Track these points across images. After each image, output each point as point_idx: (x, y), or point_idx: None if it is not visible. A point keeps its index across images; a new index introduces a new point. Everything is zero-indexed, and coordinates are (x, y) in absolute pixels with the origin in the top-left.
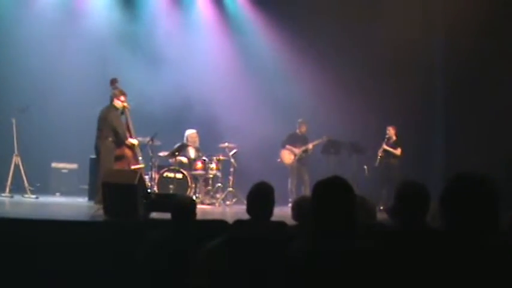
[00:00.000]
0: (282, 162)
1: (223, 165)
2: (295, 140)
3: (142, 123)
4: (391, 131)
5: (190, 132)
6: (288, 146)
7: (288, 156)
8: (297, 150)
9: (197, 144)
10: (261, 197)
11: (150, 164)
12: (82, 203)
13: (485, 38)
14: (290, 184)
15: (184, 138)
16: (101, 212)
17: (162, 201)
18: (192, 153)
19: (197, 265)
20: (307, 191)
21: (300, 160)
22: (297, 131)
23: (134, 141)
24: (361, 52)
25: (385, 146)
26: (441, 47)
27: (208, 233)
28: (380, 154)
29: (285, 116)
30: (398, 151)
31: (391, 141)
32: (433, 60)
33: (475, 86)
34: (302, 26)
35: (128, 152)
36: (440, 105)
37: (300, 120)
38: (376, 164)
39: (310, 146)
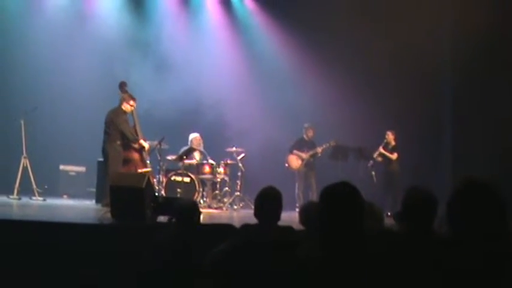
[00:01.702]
0: (289, 167)
1: (231, 170)
2: (302, 145)
3: (150, 127)
4: (390, 136)
5: (194, 136)
6: (295, 151)
7: (295, 161)
8: (304, 155)
9: (201, 147)
10: (268, 201)
11: (158, 167)
12: (89, 205)
13: (492, 39)
14: (297, 189)
15: (189, 142)
16: (108, 215)
17: (169, 204)
18: (197, 157)
19: (204, 269)
20: (314, 196)
21: (307, 165)
22: (304, 136)
23: (145, 144)
24: (369, 56)
25: (381, 150)
26: (448, 49)
27: (215, 237)
28: (375, 156)
29: (293, 120)
30: (394, 156)
31: (390, 146)
32: (440, 63)
33: (482, 88)
34: (310, 30)
35: (135, 155)
36: (448, 109)
37: (306, 125)
38: (369, 165)
39: (319, 150)
